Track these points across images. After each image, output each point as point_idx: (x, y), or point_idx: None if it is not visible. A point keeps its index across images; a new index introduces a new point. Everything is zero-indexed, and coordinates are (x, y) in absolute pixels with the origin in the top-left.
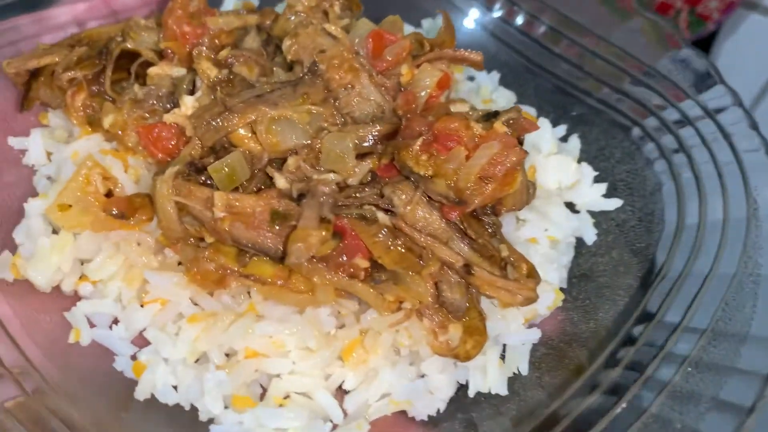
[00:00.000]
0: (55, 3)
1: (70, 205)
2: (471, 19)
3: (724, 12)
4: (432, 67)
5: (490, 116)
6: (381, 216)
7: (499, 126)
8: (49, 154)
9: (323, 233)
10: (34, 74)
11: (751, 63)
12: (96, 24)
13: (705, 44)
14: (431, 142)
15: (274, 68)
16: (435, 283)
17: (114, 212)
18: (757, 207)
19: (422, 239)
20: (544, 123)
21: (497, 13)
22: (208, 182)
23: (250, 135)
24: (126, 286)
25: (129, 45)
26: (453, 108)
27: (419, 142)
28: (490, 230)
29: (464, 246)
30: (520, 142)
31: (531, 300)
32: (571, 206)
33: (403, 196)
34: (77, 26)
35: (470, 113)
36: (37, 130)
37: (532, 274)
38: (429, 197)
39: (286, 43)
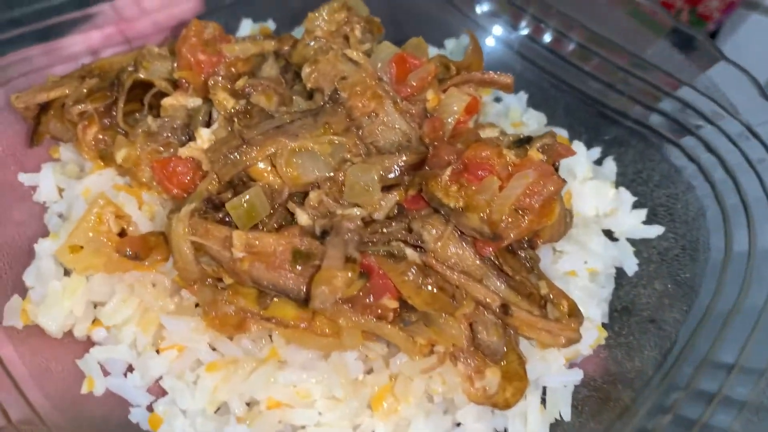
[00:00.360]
0: (67, 32)
1: (82, 247)
2: (495, 38)
3: (724, 12)
4: (459, 91)
5: (523, 142)
6: (410, 253)
7: (534, 153)
8: (60, 189)
9: (349, 274)
10: (44, 108)
11: (751, 63)
12: (110, 53)
13: None
14: (461, 172)
15: (294, 97)
16: (469, 324)
17: (128, 253)
18: None
19: (455, 277)
20: (578, 146)
21: (524, 31)
22: (226, 219)
23: (269, 168)
24: (141, 331)
25: (142, 75)
26: (482, 133)
27: (448, 171)
28: (527, 265)
29: (501, 284)
30: (556, 169)
31: (574, 341)
32: (608, 234)
33: (434, 231)
34: (91, 55)
35: (501, 138)
36: (48, 165)
37: (574, 313)
38: (461, 232)
39: (306, 71)
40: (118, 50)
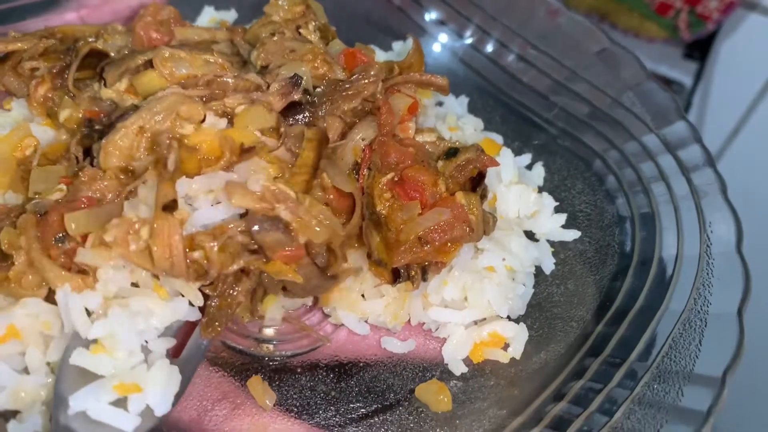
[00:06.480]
0: (27, 18)
1: None
2: (441, 45)
3: (724, 12)
4: (403, 95)
5: (450, 154)
6: None
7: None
8: None
9: None
10: (1, 60)
11: (751, 63)
12: None
13: (705, 44)
14: (398, 183)
15: None
16: None
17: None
18: (710, 244)
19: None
20: (506, 153)
21: (468, 40)
22: None
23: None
24: None
25: (99, 45)
26: (421, 137)
27: (390, 176)
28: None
29: None
30: (483, 176)
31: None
32: (530, 235)
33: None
34: None
35: (437, 143)
36: None
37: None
38: None
39: (254, 54)
40: None
